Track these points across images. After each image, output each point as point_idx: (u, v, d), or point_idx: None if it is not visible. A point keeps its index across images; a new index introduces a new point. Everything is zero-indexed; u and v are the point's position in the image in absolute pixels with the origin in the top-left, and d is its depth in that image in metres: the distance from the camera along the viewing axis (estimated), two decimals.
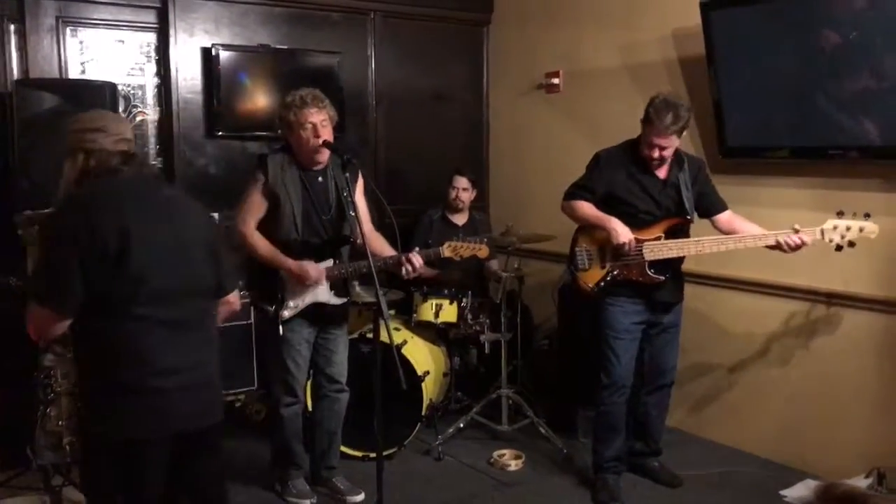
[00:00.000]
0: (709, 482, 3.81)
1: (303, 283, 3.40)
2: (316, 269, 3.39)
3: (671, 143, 3.45)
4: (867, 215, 3.31)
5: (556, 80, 5.19)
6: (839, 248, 3.34)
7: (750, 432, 4.18)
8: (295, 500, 3.60)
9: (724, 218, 3.62)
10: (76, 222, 2.12)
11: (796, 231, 3.35)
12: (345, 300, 3.56)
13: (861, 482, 3.33)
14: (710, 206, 3.63)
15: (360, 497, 3.62)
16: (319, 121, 3.36)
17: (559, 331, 4.77)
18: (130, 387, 2.18)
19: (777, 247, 3.40)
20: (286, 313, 3.44)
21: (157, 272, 2.18)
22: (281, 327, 3.43)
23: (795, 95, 3.76)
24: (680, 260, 3.63)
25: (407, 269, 3.38)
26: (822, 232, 3.33)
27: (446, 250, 3.47)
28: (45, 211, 3.03)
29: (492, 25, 5.71)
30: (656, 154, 3.46)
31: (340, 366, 3.65)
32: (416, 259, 3.38)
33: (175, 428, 2.24)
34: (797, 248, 3.36)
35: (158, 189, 2.37)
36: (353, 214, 3.36)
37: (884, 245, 3.56)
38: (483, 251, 3.52)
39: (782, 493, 3.60)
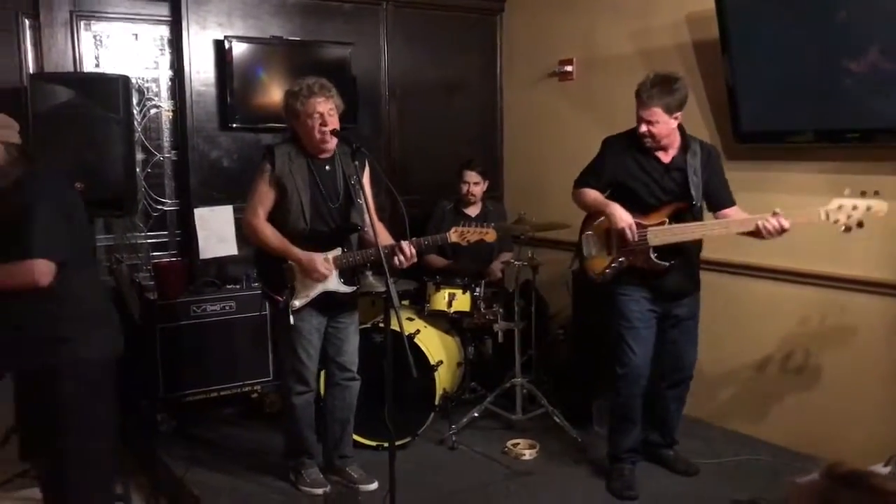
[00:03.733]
0: (725, 470, 3.78)
1: (310, 276, 3.40)
2: (323, 264, 3.39)
3: (656, 118, 3.36)
4: (876, 193, 3.04)
5: (569, 68, 5.16)
6: (847, 229, 3.06)
7: (767, 420, 4.14)
8: (308, 490, 3.61)
9: (729, 213, 3.47)
10: None
11: (775, 214, 3.16)
12: (354, 288, 3.57)
13: (880, 469, 3.29)
14: (717, 200, 3.50)
15: (374, 486, 3.63)
16: (326, 110, 3.36)
17: (574, 320, 4.75)
18: None
19: (756, 233, 3.22)
20: (297, 303, 3.44)
21: None
22: (291, 317, 3.43)
23: (812, 78, 3.70)
24: (691, 249, 3.54)
25: (399, 259, 3.35)
26: (827, 213, 3.07)
27: (453, 235, 3.45)
28: None
29: (505, 13, 5.69)
30: (644, 129, 3.39)
31: (351, 354, 3.66)
32: (407, 248, 3.34)
33: None
34: (778, 232, 3.16)
35: None
36: (360, 202, 3.39)
37: None
38: (490, 235, 3.49)
39: (799, 481, 3.55)
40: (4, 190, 2.67)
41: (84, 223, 2.86)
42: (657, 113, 3.36)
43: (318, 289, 3.46)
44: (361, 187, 3.31)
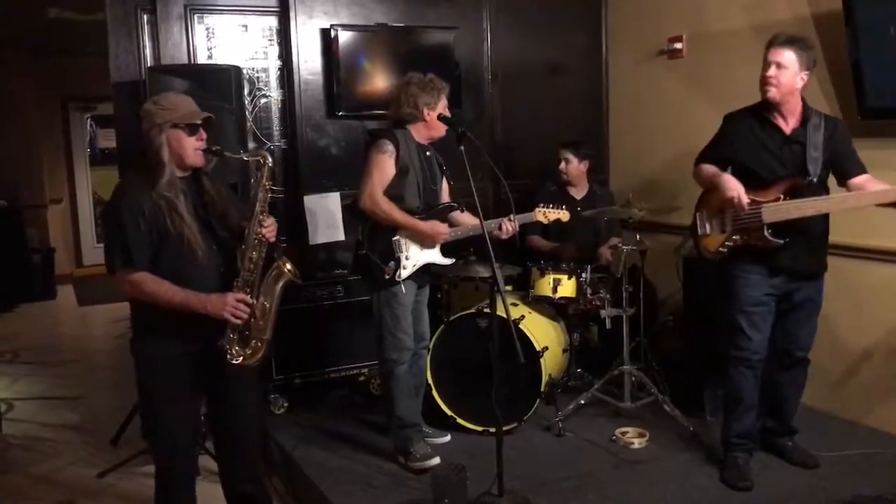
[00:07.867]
0: (848, 464, 3.60)
1: (433, 241, 3.70)
2: (444, 227, 3.73)
3: (787, 62, 3.27)
4: None
5: (678, 45, 5.00)
6: None
7: (894, 413, 3.92)
8: (420, 465, 3.64)
9: (860, 181, 3.33)
10: None
11: None
12: (452, 260, 3.81)
13: None
14: (845, 170, 3.37)
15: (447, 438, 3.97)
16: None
17: (684, 306, 4.62)
18: None
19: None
20: (404, 272, 3.64)
21: None
22: (403, 286, 3.63)
23: None
24: (813, 227, 3.38)
25: (506, 228, 3.70)
26: None
27: (538, 214, 3.89)
28: None
29: None
30: (771, 71, 3.30)
31: (427, 325, 3.96)
32: (510, 221, 3.70)
33: None
34: None
35: None
36: (451, 184, 3.83)
37: None
38: (564, 215, 3.94)
39: None
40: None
41: None
42: (789, 55, 3.28)
43: (423, 260, 3.70)
44: (467, 168, 3.40)
